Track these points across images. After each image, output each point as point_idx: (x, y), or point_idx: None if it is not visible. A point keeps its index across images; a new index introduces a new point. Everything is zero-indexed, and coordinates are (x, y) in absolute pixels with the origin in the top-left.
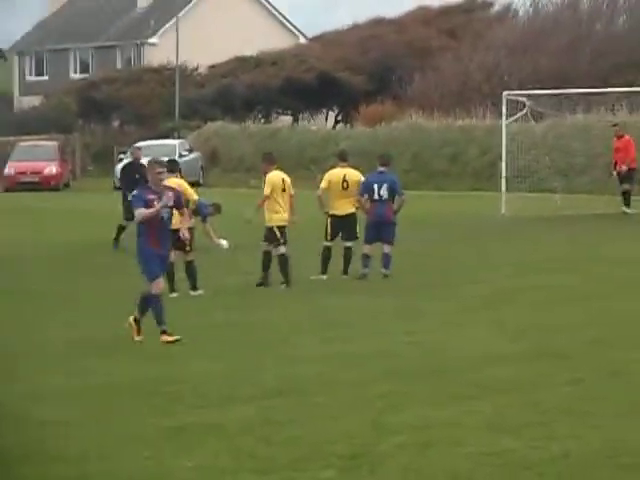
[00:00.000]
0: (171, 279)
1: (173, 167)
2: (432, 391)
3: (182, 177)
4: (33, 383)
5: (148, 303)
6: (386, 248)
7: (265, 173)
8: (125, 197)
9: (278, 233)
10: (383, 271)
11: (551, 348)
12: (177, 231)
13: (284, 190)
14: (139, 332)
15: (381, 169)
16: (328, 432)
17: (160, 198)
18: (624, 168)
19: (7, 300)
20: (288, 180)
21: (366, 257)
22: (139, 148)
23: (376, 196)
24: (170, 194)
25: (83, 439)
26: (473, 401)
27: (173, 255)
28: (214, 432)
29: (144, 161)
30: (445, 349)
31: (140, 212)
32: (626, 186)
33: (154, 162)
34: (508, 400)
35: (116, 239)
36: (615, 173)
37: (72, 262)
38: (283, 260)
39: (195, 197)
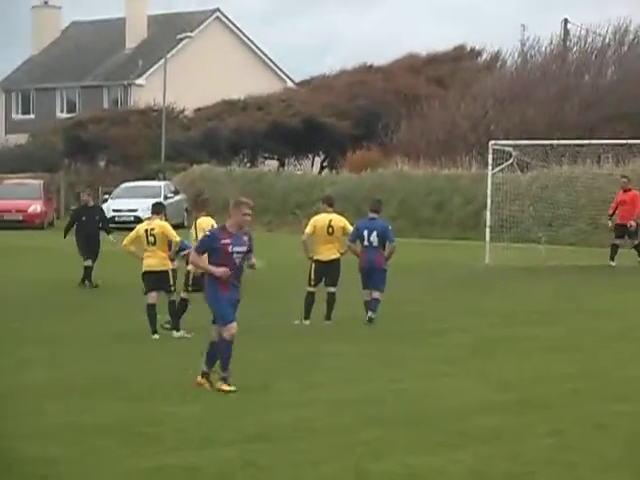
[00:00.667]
0: (152, 320)
1: (158, 209)
2: (415, 439)
3: (166, 219)
4: (17, 423)
5: (218, 349)
6: (375, 294)
7: (196, 218)
8: (78, 238)
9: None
10: (369, 314)
11: (534, 399)
12: (162, 272)
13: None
14: (212, 384)
15: (372, 215)
16: (309, 478)
17: (233, 243)
18: (633, 224)
19: None
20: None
21: (369, 303)
22: (88, 192)
23: (366, 242)
24: (245, 238)
25: (62, 478)
26: (456, 450)
27: (155, 296)
28: (193, 474)
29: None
30: (429, 397)
31: (209, 268)
32: (636, 241)
33: (243, 202)
34: (491, 450)
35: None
36: (610, 224)
37: (54, 301)
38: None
39: (178, 239)
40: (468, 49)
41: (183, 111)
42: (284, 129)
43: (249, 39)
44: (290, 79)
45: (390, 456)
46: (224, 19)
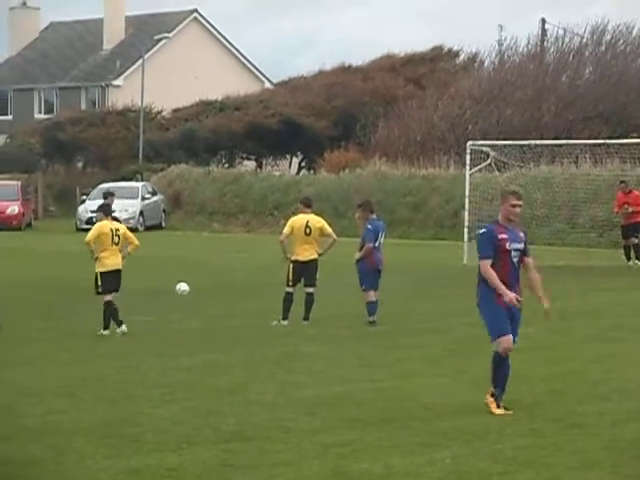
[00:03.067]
0: (114, 316)
1: (108, 210)
2: (394, 439)
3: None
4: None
5: (493, 363)
6: (377, 295)
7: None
8: None
9: (100, 279)
10: (375, 317)
11: (513, 399)
12: (119, 272)
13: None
14: (499, 406)
15: (374, 216)
16: (286, 479)
17: (510, 239)
18: None
19: None
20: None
21: (374, 304)
22: None
23: (377, 243)
24: (522, 234)
25: (40, 478)
26: (435, 450)
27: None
28: (172, 475)
29: None
30: (408, 397)
31: (500, 288)
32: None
33: (511, 192)
34: (470, 450)
35: None
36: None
37: (34, 301)
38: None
39: (137, 242)
40: (446, 49)
41: (161, 112)
42: (262, 130)
43: (227, 40)
44: (268, 80)
45: (368, 456)
46: (202, 20)
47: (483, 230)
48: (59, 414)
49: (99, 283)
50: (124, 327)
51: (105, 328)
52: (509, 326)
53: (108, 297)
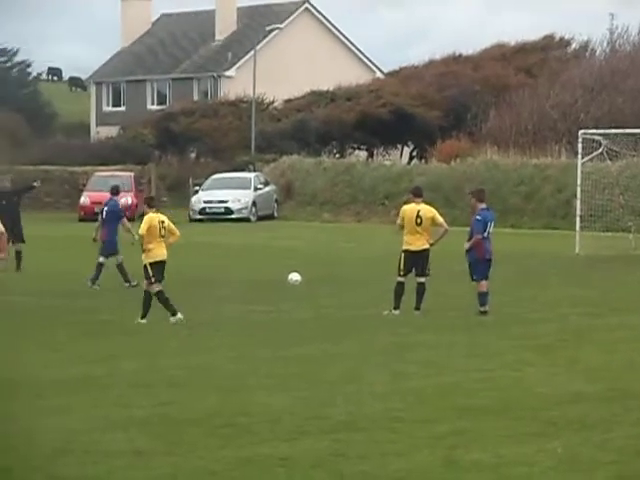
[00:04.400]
0: (168, 304)
1: (154, 203)
2: (505, 429)
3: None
4: (104, 413)
5: None
6: (488, 285)
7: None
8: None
9: (150, 270)
10: (487, 307)
11: (624, 387)
12: (163, 262)
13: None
14: None
15: (484, 206)
16: (398, 468)
17: None
18: None
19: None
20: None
21: (485, 294)
22: (3, 179)
23: (486, 233)
24: None
25: (152, 469)
26: (546, 439)
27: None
28: (284, 464)
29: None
30: (518, 387)
31: None
32: None
33: None
34: (581, 439)
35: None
36: None
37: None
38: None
39: (179, 233)
40: (557, 38)
41: (273, 102)
42: (373, 120)
43: (338, 30)
44: (379, 69)
45: (479, 446)
46: (313, 10)
47: None
48: (170, 405)
49: (150, 274)
50: (180, 315)
51: (142, 317)
52: None
53: (158, 287)
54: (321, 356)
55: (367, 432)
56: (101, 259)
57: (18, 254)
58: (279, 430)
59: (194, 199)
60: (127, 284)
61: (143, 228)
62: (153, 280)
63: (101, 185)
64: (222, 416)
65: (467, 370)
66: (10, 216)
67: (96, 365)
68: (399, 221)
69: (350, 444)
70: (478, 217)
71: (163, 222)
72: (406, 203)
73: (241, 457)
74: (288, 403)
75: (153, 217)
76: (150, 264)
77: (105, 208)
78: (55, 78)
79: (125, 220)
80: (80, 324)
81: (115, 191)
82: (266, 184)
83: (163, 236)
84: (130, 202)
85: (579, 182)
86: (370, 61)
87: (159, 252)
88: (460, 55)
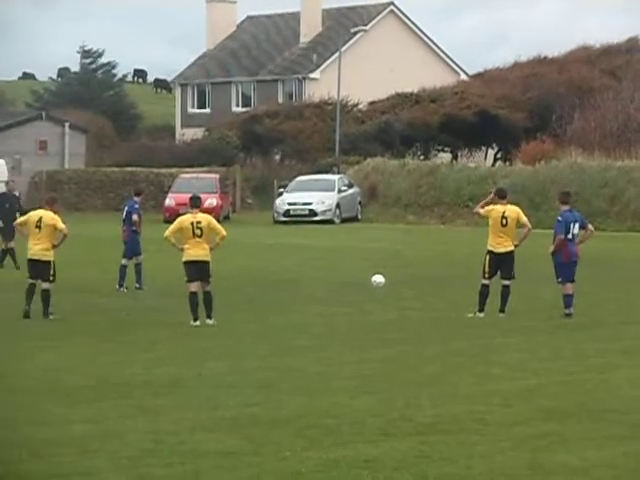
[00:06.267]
0: (194, 308)
1: (198, 203)
2: (589, 431)
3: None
4: (195, 414)
5: None
6: (572, 288)
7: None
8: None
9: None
10: (571, 309)
11: None
12: (206, 263)
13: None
14: None
15: (567, 207)
16: (483, 471)
17: None
18: None
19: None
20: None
21: (571, 296)
22: (13, 181)
23: (570, 235)
24: None
25: (238, 470)
26: (632, 442)
27: (198, 285)
28: (369, 466)
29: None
30: (604, 389)
31: None
32: None
33: None
34: None
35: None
36: None
37: (230, 293)
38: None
39: (224, 233)
40: None
41: (357, 104)
42: (457, 122)
43: (422, 32)
44: (464, 72)
45: (564, 449)
46: (398, 12)
47: None
48: (257, 406)
49: (185, 273)
50: (198, 322)
51: (195, 319)
52: None
53: (192, 287)
54: (405, 358)
55: (451, 434)
56: (123, 261)
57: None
58: (363, 432)
59: (278, 201)
60: (137, 285)
61: (169, 230)
62: (186, 279)
63: (186, 187)
64: (307, 417)
65: (551, 372)
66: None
67: (183, 367)
68: (483, 212)
69: (434, 446)
70: (559, 218)
71: (199, 222)
72: (493, 202)
73: (326, 459)
74: (372, 405)
75: (184, 219)
76: (184, 263)
77: (125, 208)
78: (140, 80)
79: (135, 217)
80: (165, 325)
81: (137, 192)
82: (350, 186)
83: (199, 236)
84: (215, 204)
85: None
86: (454, 63)
87: (194, 252)
88: (545, 57)
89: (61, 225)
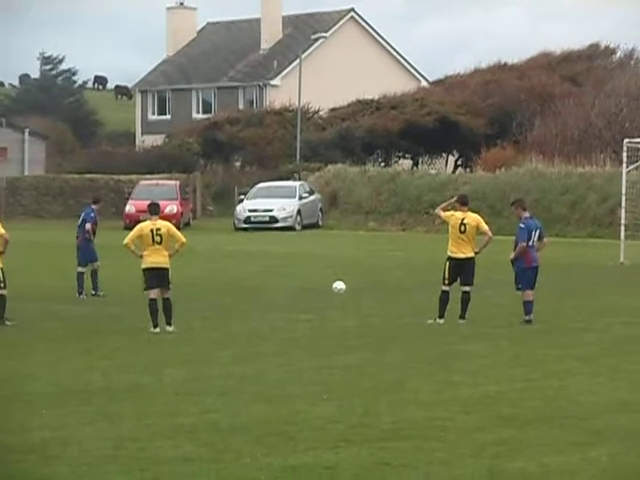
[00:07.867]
0: (153, 315)
1: (157, 210)
2: (549, 438)
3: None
4: (152, 421)
5: None
6: (532, 294)
7: None
8: None
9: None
10: (531, 316)
11: None
12: (166, 270)
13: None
14: None
15: (527, 214)
16: (442, 477)
17: None
18: None
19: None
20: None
21: (531, 303)
22: None
23: (531, 242)
24: None
25: (198, 477)
26: (590, 448)
27: (157, 292)
28: (329, 473)
29: None
30: (563, 396)
31: None
32: None
33: None
34: (625, 448)
35: None
36: None
37: (190, 301)
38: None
39: (184, 239)
40: (602, 47)
41: (318, 111)
42: (418, 128)
43: (383, 39)
44: (424, 78)
45: (524, 455)
46: (358, 19)
47: None
48: (217, 413)
49: (144, 280)
50: (157, 330)
51: (154, 326)
52: None
53: (152, 294)
54: (365, 365)
55: (412, 441)
56: (79, 269)
57: None
58: (323, 438)
59: (239, 208)
60: (93, 292)
61: (129, 237)
62: (145, 286)
63: (146, 193)
64: (267, 424)
65: (511, 379)
66: None
67: (143, 373)
68: (443, 215)
69: (395, 452)
70: (522, 225)
71: (159, 229)
72: (454, 208)
73: (286, 465)
74: (332, 412)
75: (144, 225)
76: (143, 270)
77: (82, 216)
78: (101, 87)
79: (88, 226)
80: (125, 332)
81: (95, 200)
82: (311, 193)
83: (159, 243)
84: (175, 210)
85: (624, 191)
86: (415, 70)
87: (153, 259)
88: (505, 64)
89: (1, 230)
